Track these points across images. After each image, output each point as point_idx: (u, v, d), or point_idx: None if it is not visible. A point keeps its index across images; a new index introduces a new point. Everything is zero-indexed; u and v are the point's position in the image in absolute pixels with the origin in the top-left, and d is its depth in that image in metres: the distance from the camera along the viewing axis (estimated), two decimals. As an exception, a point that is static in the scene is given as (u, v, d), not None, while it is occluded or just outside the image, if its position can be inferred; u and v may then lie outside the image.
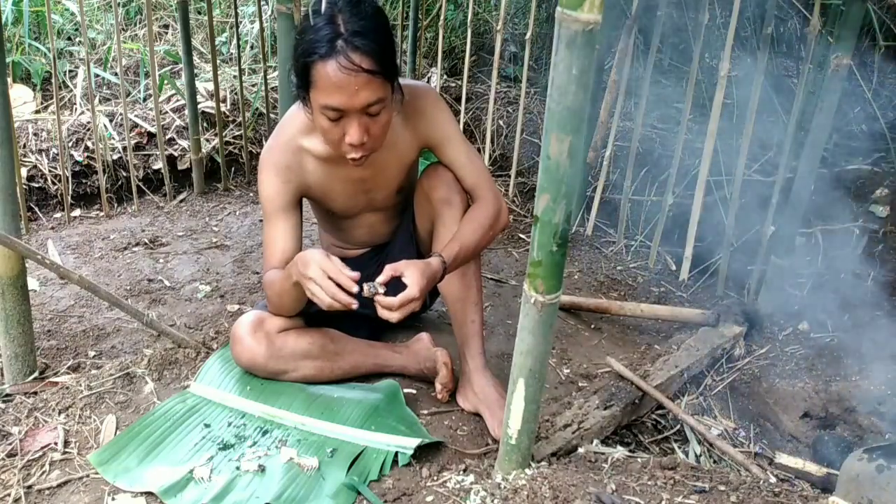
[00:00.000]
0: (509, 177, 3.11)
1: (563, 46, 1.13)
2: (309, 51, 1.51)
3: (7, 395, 1.75)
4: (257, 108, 3.32)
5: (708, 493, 1.44)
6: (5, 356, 1.78)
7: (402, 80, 1.69)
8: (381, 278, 1.54)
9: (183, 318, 2.17)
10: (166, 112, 3.16)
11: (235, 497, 1.47)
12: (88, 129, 2.95)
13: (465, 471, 1.55)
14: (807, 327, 2.28)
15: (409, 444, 1.60)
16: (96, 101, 3.10)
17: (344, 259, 1.99)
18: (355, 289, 1.50)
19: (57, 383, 1.79)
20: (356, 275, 1.52)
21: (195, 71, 3.07)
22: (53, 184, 2.85)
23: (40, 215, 2.82)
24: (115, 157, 2.96)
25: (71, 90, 3.17)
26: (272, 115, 3.22)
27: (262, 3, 3.18)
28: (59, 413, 1.68)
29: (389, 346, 1.93)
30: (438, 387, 1.81)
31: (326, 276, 1.51)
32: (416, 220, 1.89)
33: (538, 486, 1.39)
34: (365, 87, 1.50)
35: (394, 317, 1.53)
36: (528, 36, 2.82)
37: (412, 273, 1.54)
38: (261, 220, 2.90)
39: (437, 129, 1.76)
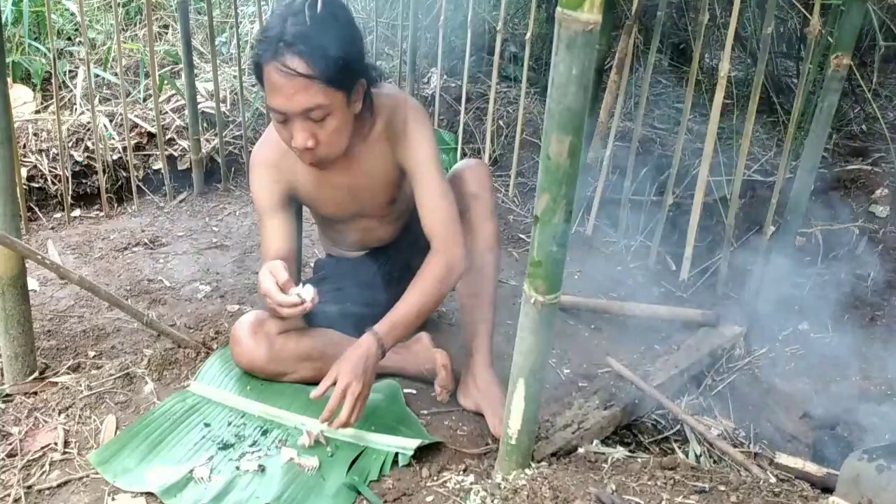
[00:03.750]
0: (509, 177, 3.11)
1: (563, 47, 1.13)
2: (259, 53, 1.51)
3: (7, 395, 1.75)
4: (257, 109, 3.32)
5: (708, 493, 1.44)
6: (5, 356, 1.78)
7: (387, 89, 1.67)
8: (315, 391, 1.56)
9: (183, 319, 2.17)
10: (166, 112, 3.16)
11: (235, 497, 1.47)
12: (88, 130, 2.95)
13: (465, 471, 1.55)
14: (807, 327, 2.29)
15: (409, 444, 1.60)
16: (96, 101, 3.10)
17: (342, 260, 2.00)
18: (294, 300, 1.56)
19: (57, 383, 1.79)
20: (285, 283, 1.57)
21: (195, 71, 3.07)
22: (53, 184, 2.85)
23: (40, 215, 2.82)
24: (115, 157, 2.96)
25: (71, 90, 3.17)
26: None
27: (263, 3, 3.18)
28: (59, 413, 1.68)
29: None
30: (438, 388, 1.81)
31: (268, 298, 1.58)
32: None
33: (538, 486, 1.39)
34: (301, 91, 1.47)
35: (343, 422, 1.54)
36: (528, 36, 2.82)
37: (341, 369, 1.57)
38: (261, 220, 2.91)
39: (411, 153, 1.68)
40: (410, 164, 1.69)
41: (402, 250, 1.94)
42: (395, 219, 1.92)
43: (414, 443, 1.60)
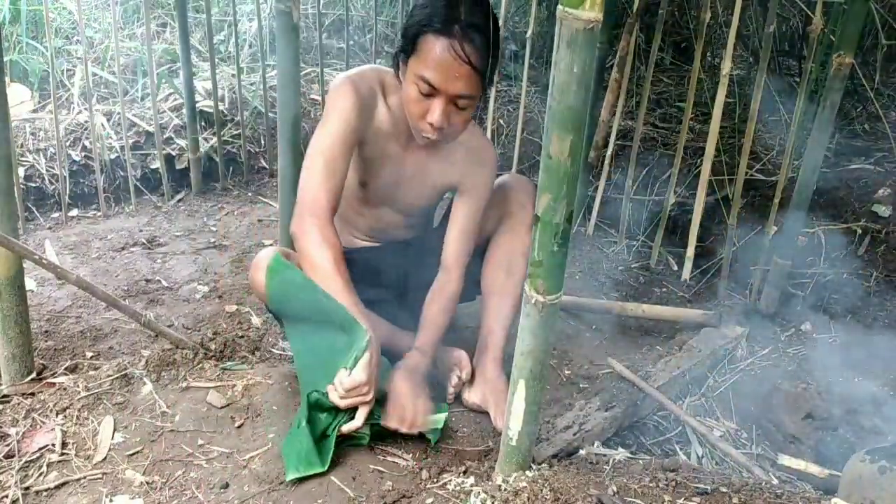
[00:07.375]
0: (509, 176, 3.09)
1: (563, 45, 1.12)
2: (426, 21, 1.55)
3: (4, 395, 1.74)
4: (255, 108, 3.31)
5: (710, 494, 1.43)
6: (3, 357, 1.77)
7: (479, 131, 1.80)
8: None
9: (181, 319, 2.16)
10: (164, 111, 3.14)
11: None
12: (86, 129, 2.94)
13: (465, 473, 1.54)
14: (809, 328, 2.28)
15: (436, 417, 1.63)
16: (94, 100, 3.09)
17: (351, 251, 1.99)
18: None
19: (54, 384, 1.78)
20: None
21: (193, 70, 3.06)
22: (51, 183, 2.84)
23: (38, 215, 2.81)
24: (112, 156, 2.95)
25: (68, 89, 3.16)
26: (271, 115, 3.21)
27: (261, 1, 3.17)
28: (57, 414, 1.67)
29: (409, 332, 1.89)
30: (455, 380, 1.82)
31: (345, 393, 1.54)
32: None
33: (539, 488, 1.38)
34: (465, 78, 1.55)
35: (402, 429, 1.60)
36: (528, 34, 2.80)
37: (401, 399, 1.61)
38: (259, 220, 2.89)
39: (471, 189, 1.82)
40: (464, 194, 1.82)
41: (410, 253, 1.97)
42: (413, 225, 1.96)
43: (440, 416, 1.63)
